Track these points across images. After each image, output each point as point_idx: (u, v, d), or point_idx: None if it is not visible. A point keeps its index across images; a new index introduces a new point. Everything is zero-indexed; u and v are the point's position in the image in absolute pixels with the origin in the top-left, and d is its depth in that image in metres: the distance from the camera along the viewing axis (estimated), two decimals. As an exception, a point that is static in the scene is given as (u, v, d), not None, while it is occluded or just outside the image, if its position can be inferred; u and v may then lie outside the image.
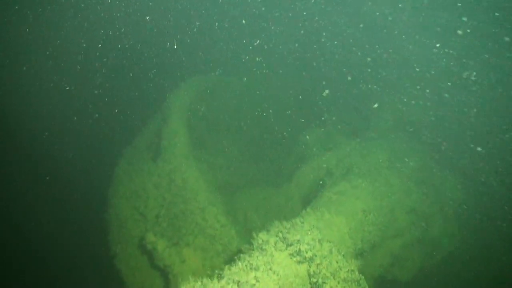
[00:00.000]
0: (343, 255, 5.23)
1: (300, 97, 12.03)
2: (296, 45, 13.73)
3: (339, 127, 11.47)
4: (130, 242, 7.90)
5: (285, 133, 11.47)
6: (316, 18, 13.25)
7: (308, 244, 4.95)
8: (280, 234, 5.04)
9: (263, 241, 4.95)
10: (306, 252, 4.83)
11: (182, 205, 7.08)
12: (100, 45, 13.97)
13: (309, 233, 5.21)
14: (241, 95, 10.78)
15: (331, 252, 5.15)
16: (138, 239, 7.83)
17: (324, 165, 8.69)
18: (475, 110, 10.43)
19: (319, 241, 5.13)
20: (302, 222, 5.40)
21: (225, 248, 6.83)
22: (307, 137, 10.25)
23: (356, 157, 8.63)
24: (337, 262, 5.08)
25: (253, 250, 4.89)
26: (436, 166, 10.28)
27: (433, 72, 10.92)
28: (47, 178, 12.26)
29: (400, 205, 8.12)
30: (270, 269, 4.50)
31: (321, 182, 8.31)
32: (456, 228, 9.95)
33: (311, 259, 4.78)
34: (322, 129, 10.84)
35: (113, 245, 8.16)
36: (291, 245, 4.88)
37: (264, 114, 11.23)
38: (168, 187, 7.39)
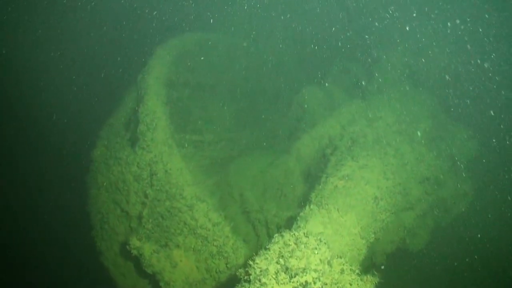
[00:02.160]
0: (357, 273, 4.41)
1: (296, 51, 10.81)
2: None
3: (341, 82, 10.38)
4: (115, 240, 7.14)
5: (281, 93, 10.40)
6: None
7: (315, 270, 4.11)
8: (282, 261, 4.18)
9: (261, 271, 4.10)
10: (314, 283, 4.00)
11: (167, 202, 6.19)
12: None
13: (316, 252, 4.35)
14: (229, 54, 9.57)
15: (342, 272, 4.33)
16: (124, 237, 7.05)
17: (326, 134, 7.71)
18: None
19: (328, 262, 4.29)
20: (307, 236, 4.52)
21: (220, 250, 6.04)
22: (306, 97, 9.16)
23: (362, 123, 7.64)
24: (350, 285, 4.27)
25: (249, 283, 4.05)
26: (447, 121, 9.32)
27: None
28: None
29: (413, 176, 7.26)
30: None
31: (324, 157, 7.37)
32: (469, 186, 9.17)
33: (320, 291, 3.97)
34: (322, 87, 9.73)
35: (98, 241, 7.41)
36: (295, 275, 4.03)
37: (257, 74, 10.10)
38: (149, 180, 6.47)
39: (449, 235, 9.20)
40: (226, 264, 6.06)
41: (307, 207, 5.43)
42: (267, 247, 4.48)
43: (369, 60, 10.47)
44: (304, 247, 4.39)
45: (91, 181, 7.80)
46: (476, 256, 9.38)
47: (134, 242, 6.07)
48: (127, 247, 6.13)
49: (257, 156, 9.08)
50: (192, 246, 6.16)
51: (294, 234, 4.56)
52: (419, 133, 7.68)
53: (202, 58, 8.88)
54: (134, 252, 6.10)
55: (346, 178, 6.00)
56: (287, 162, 7.80)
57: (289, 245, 4.44)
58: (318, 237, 4.52)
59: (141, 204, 6.58)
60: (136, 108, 7.07)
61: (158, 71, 7.27)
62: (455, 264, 9.28)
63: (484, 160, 9.71)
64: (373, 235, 5.69)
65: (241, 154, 8.92)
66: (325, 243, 4.47)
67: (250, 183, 8.22)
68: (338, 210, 5.29)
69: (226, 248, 6.00)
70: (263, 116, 10.22)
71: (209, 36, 9.16)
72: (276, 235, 4.64)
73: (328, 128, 7.74)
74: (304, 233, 4.58)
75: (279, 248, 4.40)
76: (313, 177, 7.78)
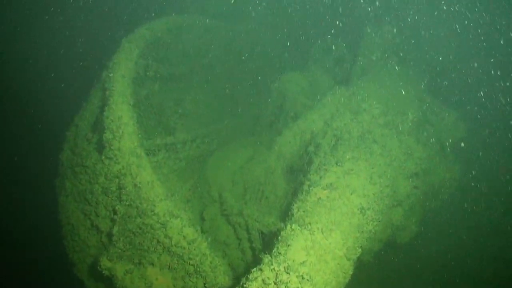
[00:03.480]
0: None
1: (278, 29, 10.12)
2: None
3: (323, 62, 9.80)
4: (86, 252, 6.71)
5: (261, 77, 9.79)
6: None
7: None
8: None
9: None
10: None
11: (138, 218, 5.72)
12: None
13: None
14: (205, 38, 8.89)
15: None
16: (96, 250, 6.63)
17: (308, 130, 7.23)
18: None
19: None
20: (288, 272, 4.13)
21: (197, 268, 5.64)
22: (286, 84, 8.60)
23: (346, 116, 7.17)
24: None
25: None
26: (434, 103, 8.89)
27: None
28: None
29: (400, 172, 6.88)
30: None
31: (306, 154, 6.92)
32: (457, 171, 8.87)
33: None
34: (303, 72, 9.17)
35: (70, 253, 6.97)
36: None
37: (236, 57, 9.45)
38: (118, 195, 5.97)
39: (437, 224, 8.97)
40: (205, 283, 5.70)
41: (288, 226, 5.00)
42: (244, 286, 4.09)
43: (354, 37, 9.92)
44: (287, 282, 4.01)
45: (60, 187, 7.30)
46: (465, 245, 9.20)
47: (105, 262, 5.66)
48: (98, 267, 5.71)
49: (236, 149, 8.62)
50: (168, 264, 5.77)
51: (273, 269, 4.17)
52: (406, 125, 7.23)
53: (174, 45, 8.21)
54: (106, 273, 5.69)
55: (330, 187, 5.57)
56: (268, 159, 7.35)
57: (269, 284, 4.05)
58: (301, 273, 4.13)
59: (110, 219, 6.11)
60: (101, 111, 6.48)
61: (123, 68, 6.64)
62: (444, 255, 9.08)
63: (472, 142, 9.39)
64: (360, 250, 5.33)
65: (220, 146, 8.43)
66: (308, 280, 4.08)
67: (230, 181, 7.80)
68: (322, 230, 4.88)
69: (203, 267, 5.61)
70: (242, 104, 9.67)
71: (182, 20, 8.42)
72: (254, 269, 4.25)
73: (310, 122, 7.26)
74: (285, 268, 4.19)
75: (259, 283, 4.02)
76: (295, 174, 7.37)
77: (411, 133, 7.34)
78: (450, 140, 8.75)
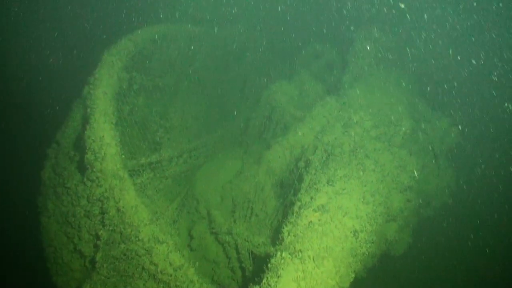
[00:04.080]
0: None
1: (266, 35, 9.85)
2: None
3: (313, 69, 9.56)
4: (71, 276, 6.46)
5: (249, 85, 9.53)
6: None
7: None
8: None
9: None
10: None
11: (123, 244, 5.49)
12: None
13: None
14: (191, 46, 8.62)
15: None
16: (80, 274, 6.38)
17: (299, 144, 7.01)
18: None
19: None
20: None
21: (184, 296, 5.41)
22: (274, 94, 8.36)
23: (337, 129, 6.95)
24: None
25: None
26: (426, 110, 8.71)
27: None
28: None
29: (394, 187, 6.69)
30: None
31: (297, 169, 6.70)
32: (450, 178, 8.72)
33: None
34: (292, 80, 8.92)
35: (53, 275, 6.72)
36: None
37: (223, 64, 9.18)
38: (101, 219, 5.73)
39: (431, 232, 8.83)
40: (193, 310, 5.47)
41: (278, 253, 4.80)
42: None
43: (343, 41, 9.70)
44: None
45: (42, 206, 7.04)
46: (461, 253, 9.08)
47: (88, 291, 5.42)
48: (81, 295, 5.48)
49: (225, 161, 8.39)
50: (154, 291, 5.54)
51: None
52: (399, 137, 7.04)
53: (158, 55, 7.94)
54: (89, 302, 5.45)
55: (322, 209, 5.36)
56: (257, 175, 7.12)
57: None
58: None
59: (93, 245, 5.86)
60: (83, 129, 6.21)
61: (105, 84, 6.36)
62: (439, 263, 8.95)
63: (465, 148, 9.25)
64: (353, 275, 5.14)
65: (208, 159, 8.19)
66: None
67: (218, 196, 7.58)
68: (313, 259, 4.68)
69: (191, 294, 5.38)
70: (230, 113, 9.41)
71: (166, 29, 8.13)
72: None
73: (300, 137, 7.04)
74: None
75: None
76: (285, 188, 7.16)
77: (404, 145, 7.15)
78: (442, 148, 8.59)
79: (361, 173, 6.07)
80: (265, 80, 9.91)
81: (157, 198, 6.50)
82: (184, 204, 7.25)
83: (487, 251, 9.67)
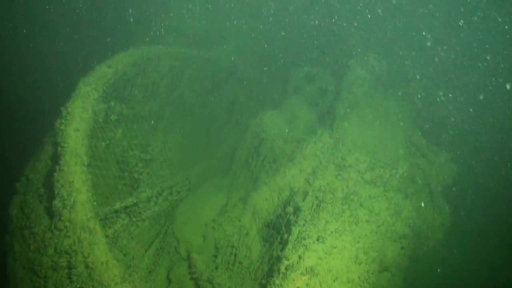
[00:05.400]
0: None
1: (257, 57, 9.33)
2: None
3: (305, 94, 9.08)
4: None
5: (237, 109, 9.01)
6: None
7: None
8: None
9: None
10: None
11: (91, 305, 4.97)
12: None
13: None
14: (175, 69, 8.08)
15: None
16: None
17: (287, 186, 6.54)
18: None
19: None
20: None
21: None
22: (263, 125, 7.87)
23: (329, 172, 6.49)
24: None
25: None
26: (422, 143, 8.30)
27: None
28: None
29: (388, 236, 6.26)
30: None
31: (285, 214, 6.23)
32: (446, 216, 8.34)
33: None
34: (282, 109, 8.44)
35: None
36: None
37: (209, 87, 8.66)
38: (68, 273, 5.19)
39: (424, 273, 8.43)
40: None
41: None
42: None
43: (338, 66, 9.24)
44: None
45: (9, 245, 6.48)
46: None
47: None
48: None
49: (208, 194, 7.89)
50: None
51: None
52: (395, 180, 6.60)
53: (140, 80, 7.40)
54: None
55: (311, 273, 4.89)
56: (242, 217, 6.64)
57: None
58: None
59: (59, 302, 5.33)
60: (52, 170, 5.68)
61: (78, 120, 5.80)
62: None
63: (462, 183, 8.87)
64: None
65: (190, 192, 7.68)
66: None
67: (200, 236, 7.09)
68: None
69: None
70: (216, 141, 8.90)
71: (148, 51, 7.56)
72: None
73: (290, 178, 6.56)
74: None
75: None
76: (272, 232, 6.68)
77: (400, 188, 6.71)
78: (439, 185, 8.20)
79: (354, 226, 5.63)
80: (253, 104, 9.43)
81: (132, 246, 5.98)
82: (163, 246, 6.74)
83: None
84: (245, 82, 9.92)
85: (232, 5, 9.93)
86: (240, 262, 6.35)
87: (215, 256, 6.56)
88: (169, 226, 7.05)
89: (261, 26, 9.82)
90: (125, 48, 7.37)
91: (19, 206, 6.42)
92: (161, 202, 6.73)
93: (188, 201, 7.60)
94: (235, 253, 6.41)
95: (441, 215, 8.30)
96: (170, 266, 6.97)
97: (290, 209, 6.22)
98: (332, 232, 5.43)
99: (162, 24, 9.61)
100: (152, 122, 7.52)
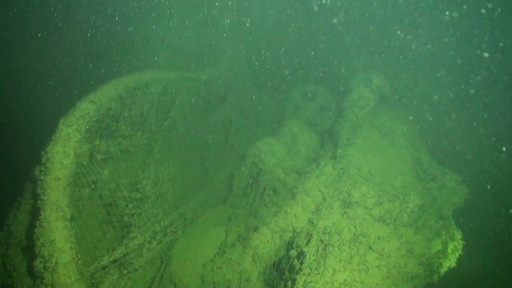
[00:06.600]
0: None
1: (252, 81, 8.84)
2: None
3: (305, 120, 8.58)
4: None
5: (233, 133, 8.50)
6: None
7: None
8: None
9: None
10: None
11: None
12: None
13: None
14: (166, 95, 7.57)
15: None
16: None
17: (290, 227, 6.06)
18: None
19: None
20: None
21: None
22: (261, 154, 7.38)
23: (335, 210, 6.00)
24: None
25: None
26: (432, 166, 7.81)
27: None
28: None
29: (400, 278, 5.77)
30: None
31: (288, 258, 5.75)
32: (458, 241, 7.88)
33: None
34: (281, 136, 7.94)
35: None
36: None
37: (202, 114, 8.15)
38: None
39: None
40: None
41: None
42: None
43: (339, 85, 8.75)
44: None
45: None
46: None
47: None
48: None
49: (206, 230, 7.40)
50: None
51: None
52: (406, 215, 6.11)
53: (127, 113, 6.88)
54: None
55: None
56: (242, 260, 6.15)
57: None
58: None
59: None
60: (32, 224, 5.19)
61: (58, 167, 5.29)
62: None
63: (475, 206, 8.39)
64: None
65: (186, 228, 7.19)
66: None
67: (198, 279, 6.60)
68: None
69: None
70: (212, 171, 8.40)
71: (135, 80, 7.01)
72: None
73: (292, 218, 6.07)
74: None
75: None
76: (274, 276, 6.20)
77: (411, 223, 6.22)
78: (450, 210, 7.72)
79: (364, 275, 5.15)
80: (250, 125, 8.93)
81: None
82: (158, 293, 6.26)
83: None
84: (241, 102, 9.44)
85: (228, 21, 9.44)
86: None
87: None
88: (165, 269, 6.57)
89: (260, 43, 9.30)
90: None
91: (1, 261, 5.93)
92: (155, 246, 6.25)
93: (184, 238, 7.12)
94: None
95: (453, 240, 7.83)
96: (166, 313, 6.50)
97: (293, 252, 5.74)
98: (340, 284, 4.95)
99: (154, 43, 9.12)
100: (141, 157, 7.00)
